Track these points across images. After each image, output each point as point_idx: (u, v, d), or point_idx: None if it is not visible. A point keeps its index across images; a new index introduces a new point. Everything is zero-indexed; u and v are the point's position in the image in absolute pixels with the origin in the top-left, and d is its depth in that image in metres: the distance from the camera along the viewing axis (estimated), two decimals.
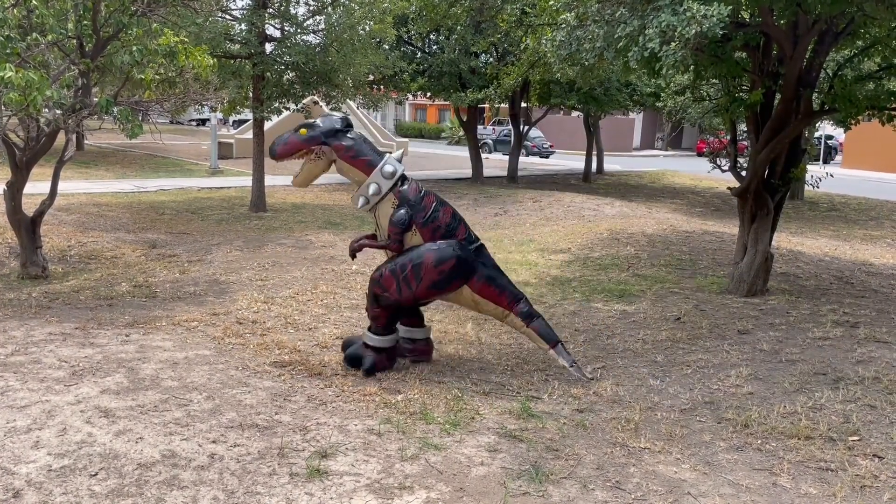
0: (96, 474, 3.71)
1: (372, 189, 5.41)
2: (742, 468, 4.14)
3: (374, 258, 9.98)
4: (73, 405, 4.52)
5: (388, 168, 5.43)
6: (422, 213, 5.43)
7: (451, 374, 5.62)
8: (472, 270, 5.50)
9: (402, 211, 5.39)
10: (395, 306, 5.50)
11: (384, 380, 5.37)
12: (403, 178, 5.52)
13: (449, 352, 6.24)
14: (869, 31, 7.70)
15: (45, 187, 9.14)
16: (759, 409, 4.89)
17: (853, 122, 8.55)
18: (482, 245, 5.72)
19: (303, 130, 5.43)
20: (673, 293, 8.38)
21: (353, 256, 5.70)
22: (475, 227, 13.83)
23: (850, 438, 4.43)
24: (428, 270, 5.34)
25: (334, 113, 5.72)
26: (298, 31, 14.36)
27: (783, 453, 4.29)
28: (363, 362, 5.50)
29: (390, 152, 5.83)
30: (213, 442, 4.15)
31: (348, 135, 5.47)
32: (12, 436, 4.07)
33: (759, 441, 4.46)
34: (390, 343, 5.59)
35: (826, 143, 35.53)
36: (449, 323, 7.03)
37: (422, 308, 6.03)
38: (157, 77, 8.32)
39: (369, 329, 5.59)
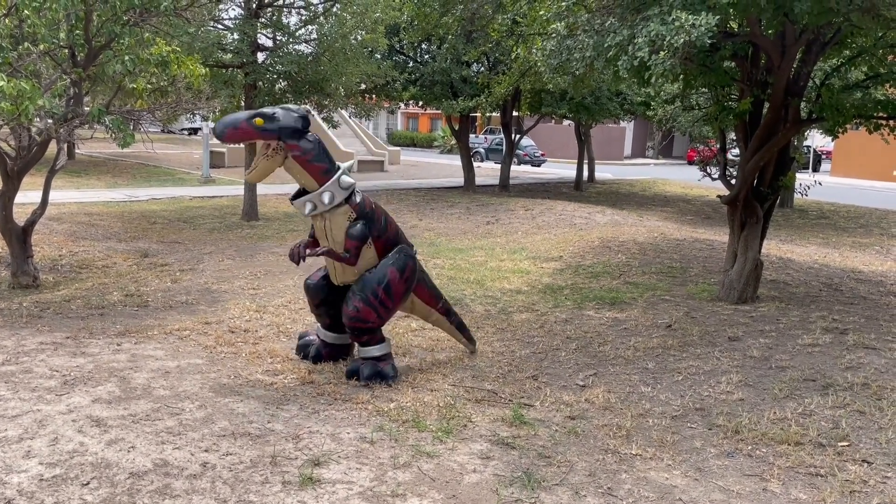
0: (88, 483, 3.70)
1: (326, 198, 5.30)
2: (733, 474, 4.16)
3: None
4: (64, 414, 4.51)
5: (347, 180, 5.37)
6: (376, 225, 5.52)
7: (444, 382, 5.63)
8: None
9: (361, 225, 5.41)
10: (380, 326, 5.61)
11: (376, 388, 5.38)
12: (353, 190, 5.50)
13: (441, 359, 6.26)
14: (855, 40, 7.79)
15: (36, 196, 9.12)
16: (750, 415, 4.92)
17: (841, 130, 8.64)
18: (416, 251, 5.99)
19: (259, 120, 5.07)
20: (664, 300, 8.42)
21: (299, 263, 5.55)
22: (467, 234, 13.94)
23: (840, 444, 4.47)
24: (397, 284, 5.51)
25: (292, 106, 5.41)
26: (290, 40, 14.41)
27: (773, 459, 4.32)
28: (361, 372, 5.52)
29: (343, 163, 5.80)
30: (206, 451, 4.14)
31: (307, 136, 5.27)
32: (3, 445, 4.06)
33: (750, 447, 4.49)
34: (385, 351, 5.64)
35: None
36: (441, 331, 7.05)
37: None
38: (149, 86, 8.35)
39: (365, 346, 5.59)
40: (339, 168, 5.42)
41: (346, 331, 5.64)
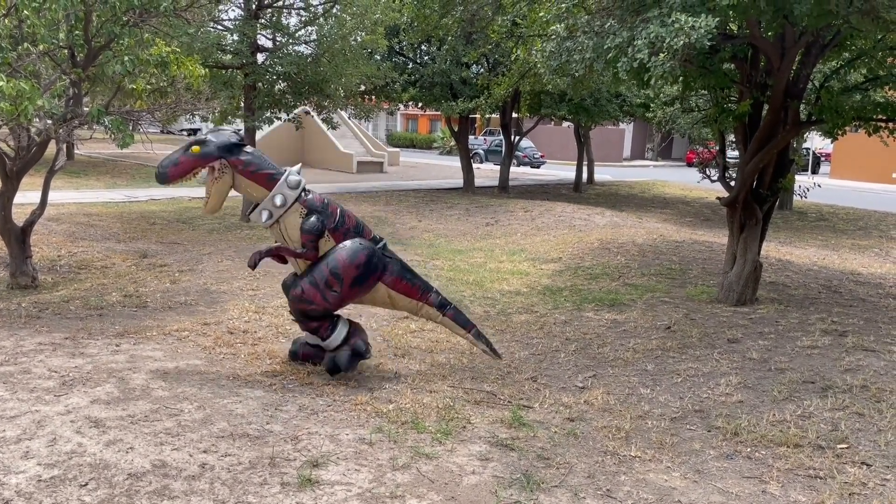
0: (86, 484, 3.69)
1: (278, 200, 5.37)
2: (732, 476, 4.16)
3: None
4: (63, 415, 4.50)
5: (294, 178, 5.43)
6: (331, 218, 5.49)
7: (443, 383, 5.63)
8: (384, 265, 5.62)
9: (314, 218, 5.42)
10: (328, 313, 5.52)
11: (375, 389, 5.37)
12: (305, 190, 5.53)
13: (440, 361, 6.25)
14: (855, 43, 7.80)
15: (35, 197, 9.12)
16: (749, 417, 4.92)
17: (840, 132, 8.64)
18: (386, 243, 5.83)
19: (195, 148, 5.28)
20: (663, 302, 8.42)
21: (254, 267, 5.56)
22: (466, 236, 13.93)
23: (839, 446, 4.47)
24: (346, 269, 5.39)
25: (225, 127, 5.60)
26: (290, 41, 14.41)
27: (772, 461, 4.32)
28: (339, 363, 5.52)
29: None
30: (204, 452, 4.14)
31: (245, 149, 5.40)
32: (2, 446, 4.05)
33: (749, 449, 4.49)
34: (345, 332, 5.58)
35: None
36: (441, 332, 7.04)
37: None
38: (149, 87, 8.35)
39: (322, 339, 5.58)
40: (285, 171, 5.49)
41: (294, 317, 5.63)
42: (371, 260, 5.51)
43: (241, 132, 5.66)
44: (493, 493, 3.86)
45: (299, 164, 5.99)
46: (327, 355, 5.66)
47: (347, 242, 5.49)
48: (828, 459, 4.31)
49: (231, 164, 5.33)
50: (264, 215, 5.44)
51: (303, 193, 5.48)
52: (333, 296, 5.43)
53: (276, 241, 5.65)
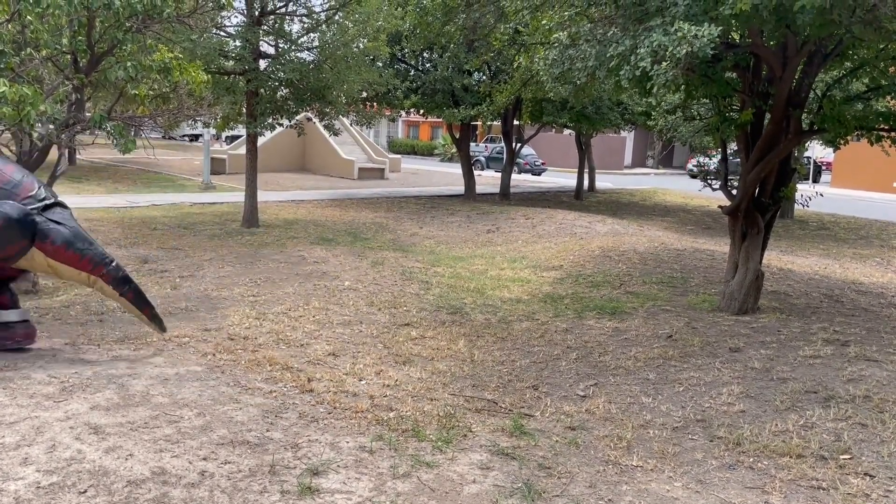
0: (85, 492, 3.68)
1: None
2: (734, 486, 4.14)
3: (366, 274, 9.98)
4: (62, 421, 4.49)
5: None
6: None
7: (444, 391, 5.61)
8: (34, 232, 5.14)
9: None
10: None
11: (376, 396, 5.35)
12: None
13: (441, 368, 6.23)
14: (857, 52, 7.80)
15: None
16: (751, 427, 4.90)
17: (842, 142, 8.64)
18: (58, 204, 5.37)
19: None
20: (665, 311, 8.40)
21: None
22: (468, 243, 13.92)
23: (842, 457, 4.44)
24: None
25: None
26: (292, 47, 14.43)
27: (775, 472, 4.30)
28: None
29: None
30: (204, 459, 4.12)
31: None
32: (0, 452, 4.03)
33: (751, 459, 4.46)
34: (12, 318, 5.38)
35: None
36: (441, 339, 7.03)
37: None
38: (151, 92, 8.36)
39: None
40: None
41: None
42: (6, 229, 5.02)
43: None
44: (493, 502, 3.84)
45: None
46: None
47: None
48: (830, 470, 4.28)
49: None
50: None
51: None
52: None
53: None
